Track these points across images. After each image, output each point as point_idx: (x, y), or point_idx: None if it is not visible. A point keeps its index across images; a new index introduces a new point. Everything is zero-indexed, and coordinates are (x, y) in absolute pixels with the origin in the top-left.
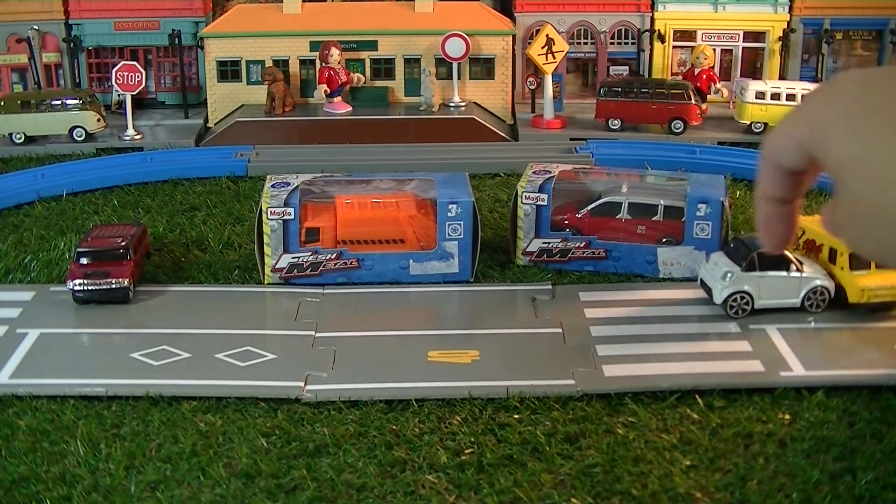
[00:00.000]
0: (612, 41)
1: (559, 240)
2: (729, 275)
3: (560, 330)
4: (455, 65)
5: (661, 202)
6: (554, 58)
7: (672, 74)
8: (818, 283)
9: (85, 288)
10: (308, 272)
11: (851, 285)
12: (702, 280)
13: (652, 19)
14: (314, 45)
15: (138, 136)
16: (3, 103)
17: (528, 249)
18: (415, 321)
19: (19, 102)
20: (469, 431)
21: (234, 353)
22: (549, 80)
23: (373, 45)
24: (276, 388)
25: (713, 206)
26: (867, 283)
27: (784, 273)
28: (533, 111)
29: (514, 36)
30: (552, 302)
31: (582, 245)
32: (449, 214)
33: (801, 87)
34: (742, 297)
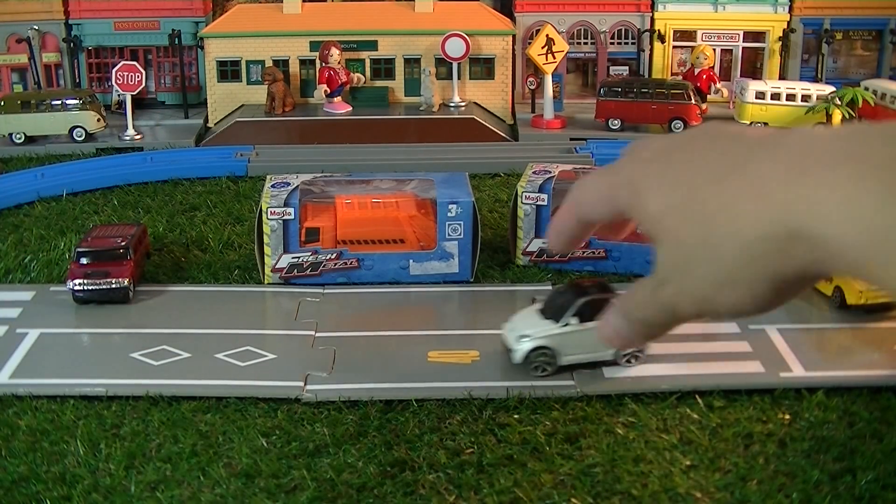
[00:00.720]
0: (612, 41)
1: None
2: (524, 338)
3: None
4: (455, 65)
5: None
6: (554, 58)
7: (672, 74)
8: None
9: (85, 288)
10: (308, 272)
11: (849, 287)
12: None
13: (652, 19)
14: (314, 45)
15: (138, 136)
16: (3, 103)
17: (528, 249)
18: (415, 321)
19: (19, 102)
20: (469, 431)
21: (234, 353)
22: (549, 80)
23: (373, 45)
24: (276, 388)
25: None
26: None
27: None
28: (533, 111)
29: (514, 36)
30: None
31: (582, 245)
32: (449, 214)
33: (801, 87)
34: (543, 354)
